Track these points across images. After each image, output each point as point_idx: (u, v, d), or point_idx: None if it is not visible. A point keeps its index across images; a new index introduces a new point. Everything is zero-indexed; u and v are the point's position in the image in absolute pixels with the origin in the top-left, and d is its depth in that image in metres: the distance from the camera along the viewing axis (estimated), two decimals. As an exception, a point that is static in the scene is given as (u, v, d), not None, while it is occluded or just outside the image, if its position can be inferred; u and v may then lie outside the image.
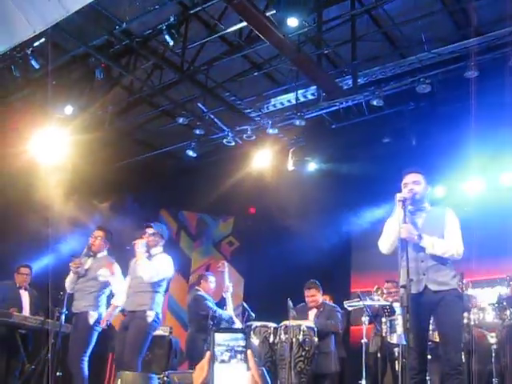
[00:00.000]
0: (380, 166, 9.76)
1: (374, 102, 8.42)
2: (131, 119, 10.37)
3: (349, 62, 8.26)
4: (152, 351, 8.00)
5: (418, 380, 4.63)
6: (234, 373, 1.42)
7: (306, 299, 7.67)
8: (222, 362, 1.43)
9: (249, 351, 1.46)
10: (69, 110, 9.08)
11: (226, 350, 1.44)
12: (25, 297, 8.32)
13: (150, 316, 6.34)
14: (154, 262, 6.48)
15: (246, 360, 1.43)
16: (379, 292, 7.94)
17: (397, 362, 6.71)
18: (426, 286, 4.73)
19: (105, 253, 7.04)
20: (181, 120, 9.57)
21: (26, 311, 8.07)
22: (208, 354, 1.45)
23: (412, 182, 5.02)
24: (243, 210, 12.57)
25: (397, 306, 7.11)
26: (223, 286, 8.37)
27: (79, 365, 6.38)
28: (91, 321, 6.55)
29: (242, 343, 1.46)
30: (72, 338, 6.62)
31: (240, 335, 1.46)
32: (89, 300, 6.67)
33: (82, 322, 6.56)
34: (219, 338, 1.45)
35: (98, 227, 7.21)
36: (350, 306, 7.84)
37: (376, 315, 7.62)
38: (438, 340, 5.49)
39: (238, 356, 1.44)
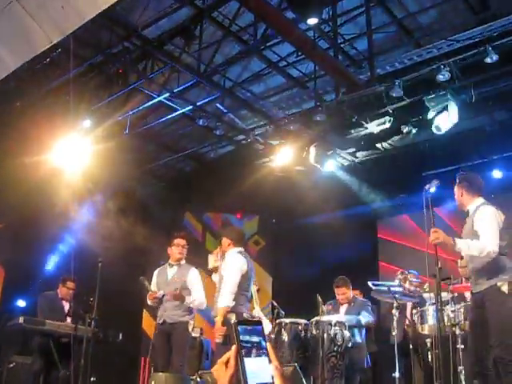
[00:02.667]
0: (402, 158, 9.71)
1: (394, 93, 8.34)
2: (151, 124, 10.42)
3: (365, 54, 8.21)
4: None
5: None
6: (260, 367, 1.40)
7: (337, 296, 7.65)
8: (251, 356, 1.41)
9: (268, 343, 1.44)
10: (87, 123, 9.19)
11: (250, 344, 1.42)
12: (67, 308, 8.42)
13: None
14: None
15: (267, 353, 1.42)
16: (403, 277, 7.86)
17: (429, 352, 6.64)
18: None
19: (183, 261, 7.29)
20: (200, 122, 9.59)
21: (69, 320, 8.14)
22: (234, 348, 1.42)
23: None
24: (267, 209, 12.55)
25: (427, 296, 7.06)
26: None
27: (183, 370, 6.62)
28: (190, 328, 6.92)
29: (262, 336, 1.44)
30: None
31: (259, 327, 1.45)
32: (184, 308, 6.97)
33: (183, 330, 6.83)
34: (243, 331, 1.43)
35: (181, 235, 7.37)
36: (374, 285, 7.77)
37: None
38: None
39: (261, 349, 1.42)
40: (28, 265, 9.56)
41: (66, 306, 8.43)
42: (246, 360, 1.40)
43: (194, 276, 7.09)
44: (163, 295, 6.91)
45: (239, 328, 1.43)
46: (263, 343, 1.43)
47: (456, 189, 5.26)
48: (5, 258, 10.10)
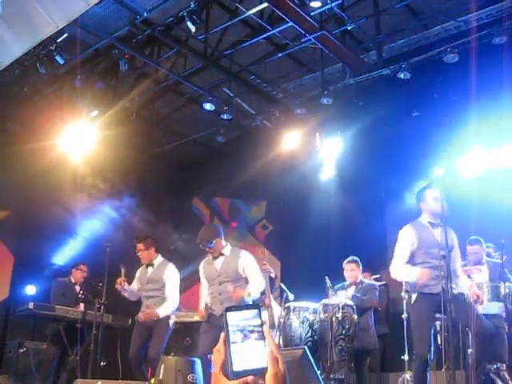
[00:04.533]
0: (411, 141, 9.65)
1: (402, 75, 8.30)
2: (158, 109, 10.41)
3: (373, 37, 8.16)
4: (192, 337, 8.09)
5: None
6: (252, 351, 1.39)
7: (345, 274, 7.66)
8: (239, 341, 1.39)
9: (265, 327, 1.43)
10: (94, 113, 9.19)
11: (241, 329, 1.40)
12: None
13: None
14: None
15: (263, 337, 1.41)
16: None
17: (439, 335, 6.65)
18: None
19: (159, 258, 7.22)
20: (208, 106, 9.56)
21: (81, 307, 8.20)
22: (222, 335, 1.42)
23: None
24: (275, 193, 12.54)
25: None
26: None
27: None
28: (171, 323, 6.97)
29: (257, 320, 1.42)
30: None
31: (254, 312, 1.43)
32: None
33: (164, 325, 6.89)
34: (232, 317, 1.41)
35: (137, 240, 7.20)
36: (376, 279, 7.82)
37: None
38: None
39: (254, 333, 1.41)
40: (37, 251, 9.59)
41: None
42: (238, 345, 1.39)
43: (168, 274, 7.05)
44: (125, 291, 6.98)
45: (228, 314, 1.42)
46: (259, 327, 1.41)
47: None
48: (13, 245, 10.16)
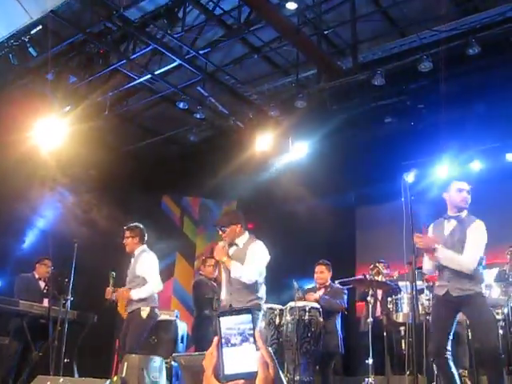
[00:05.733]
0: (382, 147, 9.73)
1: (376, 82, 8.36)
2: (131, 106, 10.35)
3: (349, 42, 8.21)
4: (158, 336, 8.05)
5: None
6: (243, 355, 1.40)
7: (315, 276, 7.67)
8: (231, 345, 1.41)
9: (256, 331, 1.44)
10: (67, 108, 9.13)
11: (233, 334, 1.42)
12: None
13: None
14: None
15: (254, 341, 1.42)
16: (375, 271, 7.96)
17: (403, 340, 6.72)
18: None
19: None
20: (181, 105, 9.55)
21: (46, 302, 8.09)
22: (215, 339, 1.43)
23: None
24: (246, 194, 12.54)
25: (403, 284, 7.13)
26: None
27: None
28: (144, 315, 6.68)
29: (249, 324, 1.43)
30: None
31: (246, 316, 1.44)
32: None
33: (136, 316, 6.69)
34: (224, 322, 1.43)
35: (125, 227, 7.07)
36: (342, 283, 7.84)
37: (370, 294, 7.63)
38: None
39: (246, 338, 1.42)
40: (4, 245, 9.46)
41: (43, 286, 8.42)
42: (230, 349, 1.41)
43: (144, 260, 6.86)
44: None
45: (221, 319, 1.43)
46: (250, 332, 1.42)
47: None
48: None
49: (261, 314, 5.96)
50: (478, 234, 5.04)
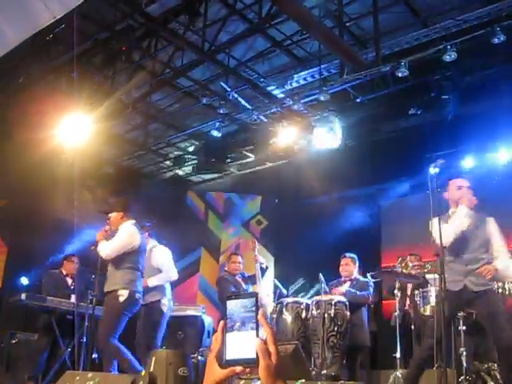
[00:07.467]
0: (407, 139, 9.66)
1: (399, 73, 8.28)
2: (155, 102, 10.38)
3: (371, 34, 8.13)
4: (184, 331, 8.09)
5: None
6: (244, 341, 1.40)
7: (341, 269, 7.65)
8: (234, 330, 1.42)
9: (260, 311, 1.43)
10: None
11: (238, 318, 1.42)
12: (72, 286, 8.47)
13: (123, 295, 6.31)
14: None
15: (257, 326, 1.41)
16: (403, 264, 7.88)
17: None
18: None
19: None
20: (204, 100, 9.56)
21: (73, 298, 8.18)
22: (221, 323, 1.45)
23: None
24: (270, 189, 12.53)
25: (430, 277, 7.06)
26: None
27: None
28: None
29: (253, 309, 1.43)
30: None
31: (251, 300, 1.43)
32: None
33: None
34: (231, 305, 1.44)
35: None
36: (372, 277, 7.80)
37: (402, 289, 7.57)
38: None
39: (249, 323, 1.42)
40: (31, 242, 9.56)
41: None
42: (231, 334, 1.42)
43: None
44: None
45: (228, 302, 1.45)
46: (253, 316, 1.42)
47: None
48: (8, 235, 10.12)
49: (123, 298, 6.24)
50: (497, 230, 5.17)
